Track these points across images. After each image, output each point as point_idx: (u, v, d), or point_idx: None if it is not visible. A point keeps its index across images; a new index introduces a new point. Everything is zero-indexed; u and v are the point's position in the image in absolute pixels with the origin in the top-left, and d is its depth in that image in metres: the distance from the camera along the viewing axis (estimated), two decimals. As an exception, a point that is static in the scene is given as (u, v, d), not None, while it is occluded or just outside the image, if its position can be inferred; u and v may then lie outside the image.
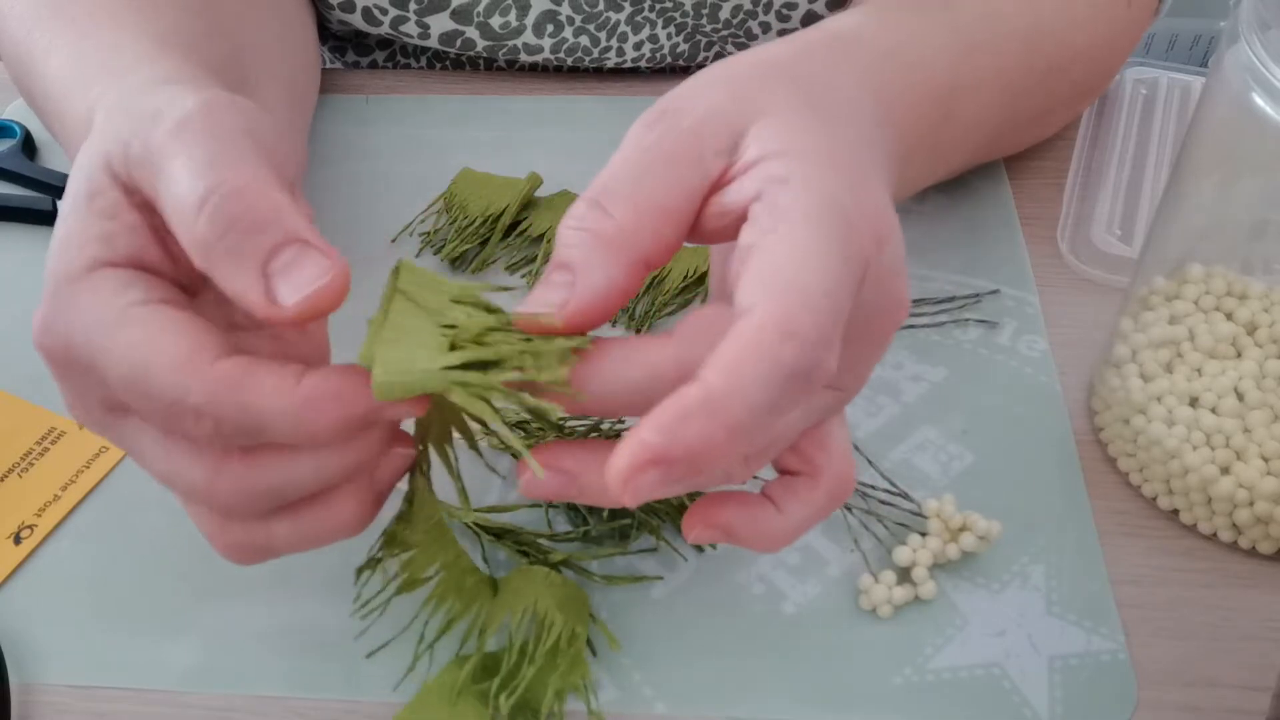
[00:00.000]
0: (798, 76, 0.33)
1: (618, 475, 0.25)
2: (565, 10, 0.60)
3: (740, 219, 0.29)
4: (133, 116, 0.31)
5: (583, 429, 0.42)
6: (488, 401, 0.28)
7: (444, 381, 0.27)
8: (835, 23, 0.39)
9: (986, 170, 0.56)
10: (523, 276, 0.51)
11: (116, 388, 0.29)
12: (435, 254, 0.52)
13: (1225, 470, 0.40)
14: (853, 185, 0.29)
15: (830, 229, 0.27)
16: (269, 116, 0.32)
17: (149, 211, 0.31)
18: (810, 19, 0.60)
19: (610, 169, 0.30)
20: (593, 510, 0.41)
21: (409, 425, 0.33)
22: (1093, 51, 0.51)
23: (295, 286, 0.28)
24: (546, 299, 0.28)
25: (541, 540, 0.41)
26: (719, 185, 0.30)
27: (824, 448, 0.32)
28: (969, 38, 0.44)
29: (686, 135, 0.30)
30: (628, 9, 0.60)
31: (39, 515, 0.43)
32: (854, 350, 0.29)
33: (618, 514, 0.41)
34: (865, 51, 0.37)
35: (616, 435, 0.42)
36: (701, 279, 0.50)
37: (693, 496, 0.42)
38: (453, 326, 0.28)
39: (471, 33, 0.61)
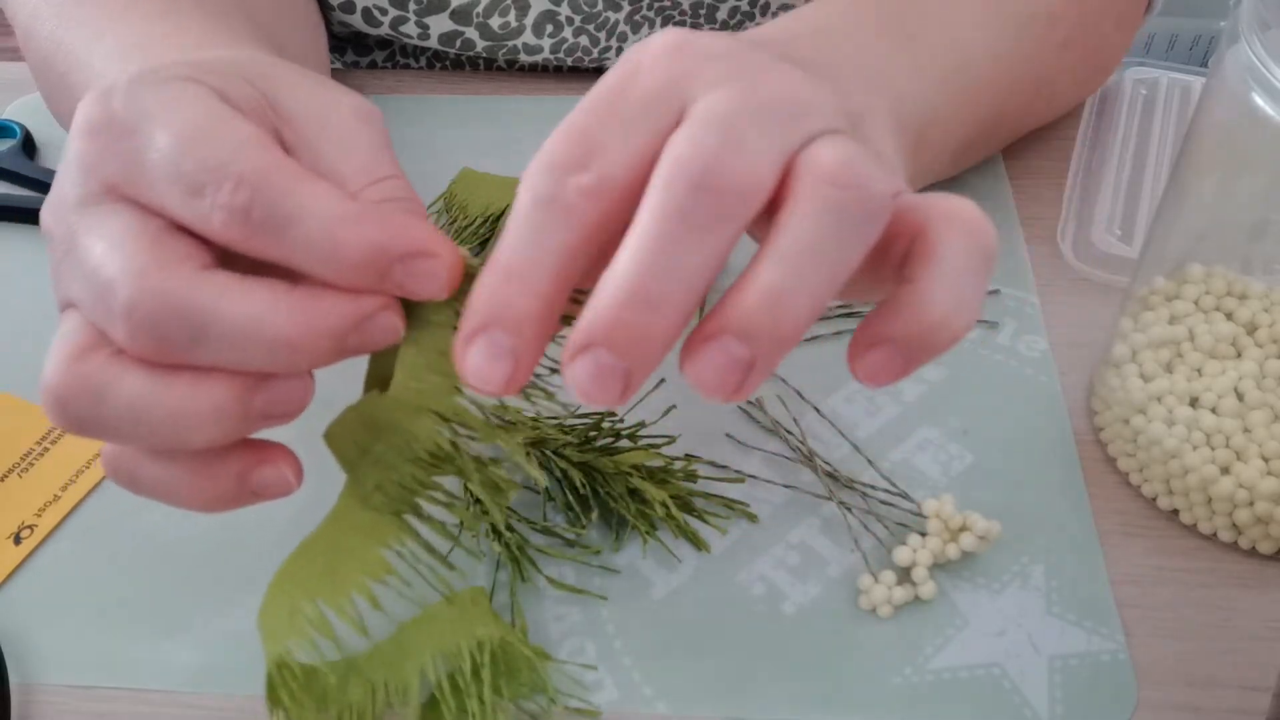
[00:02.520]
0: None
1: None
2: (564, 10, 0.60)
3: None
4: (296, 72, 0.32)
5: (583, 426, 0.42)
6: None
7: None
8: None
9: (986, 170, 0.56)
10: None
11: (155, 149, 0.27)
12: (435, 254, 0.52)
13: (1225, 470, 0.40)
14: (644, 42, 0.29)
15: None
16: None
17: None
18: None
19: None
20: (585, 508, 0.41)
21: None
22: (1071, 10, 0.51)
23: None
24: None
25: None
26: None
27: (794, 172, 0.26)
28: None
29: None
30: (626, 9, 0.60)
31: (39, 515, 0.43)
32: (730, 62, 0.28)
33: (608, 512, 0.42)
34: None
35: (617, 435, 0.42)
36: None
37: (685, 506, 0.42)
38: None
39: (471, 33, 0.61)
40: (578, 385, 0.25)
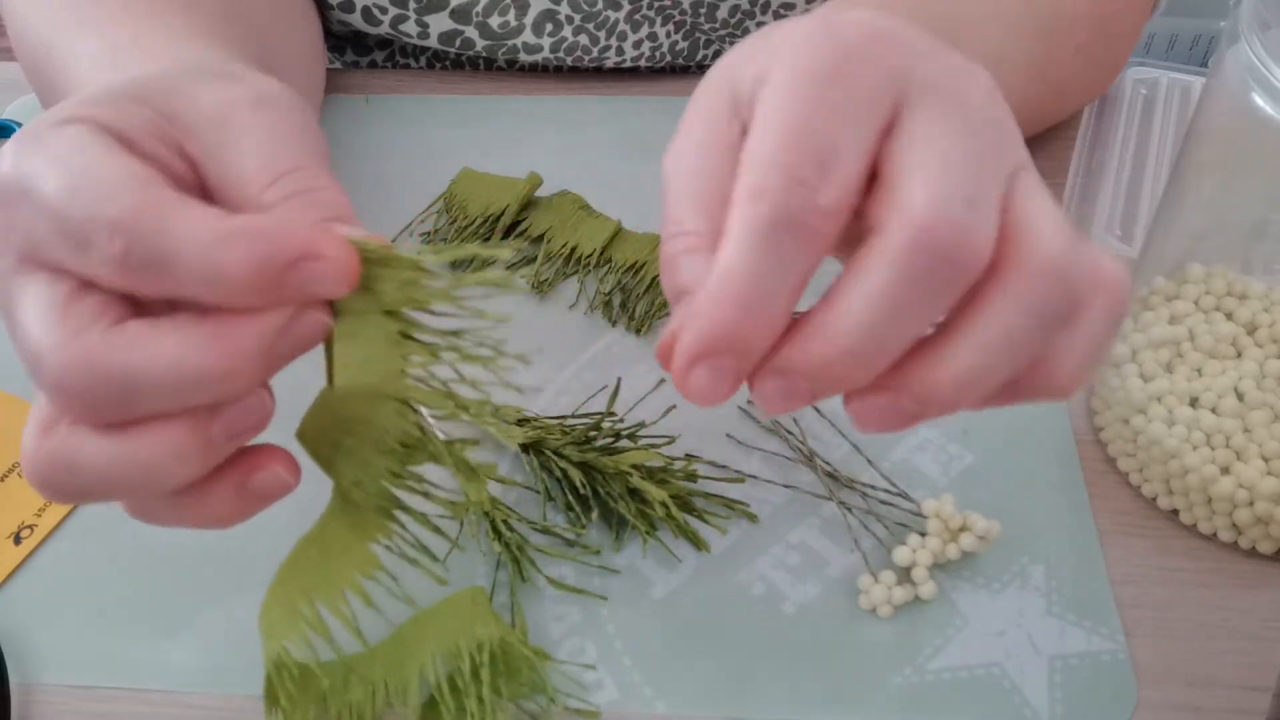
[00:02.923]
0: None
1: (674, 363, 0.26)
2: (564, 9, 0.60)
3: None
4: (194, 77, 0.31)
5: (583, 427, 0.42)
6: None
7: (400, 390, 0.29)
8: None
9: (986, 170, 0.56)
10: (522, 277, 0.51)
11: (41, 210, 0.27)
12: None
13: (1225, 470, 0.40)
14: (824, 20, 0.28)
15: (792, 69, 0.27)
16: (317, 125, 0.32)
17: (167, 144, 0.30)
18: None
19: None
20: (585, 508, 0.41)
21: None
22: (1091, 14, 0.51)
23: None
24: None
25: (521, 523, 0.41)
26: None
27: (1007, 237, 0.26)
28: (960, 10, 0.45)
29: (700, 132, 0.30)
30: (626, 7, 0.60)
31: (39, 515, 0.43)
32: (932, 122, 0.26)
33: (608, 512, 0.42)
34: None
35: (617, 435, 0.42)
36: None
37: (685, 506, 0.42)
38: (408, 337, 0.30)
39: (471, 32, 0.61)
40: (766, 401, 0.26)
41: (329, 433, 0.32)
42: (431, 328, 0.30)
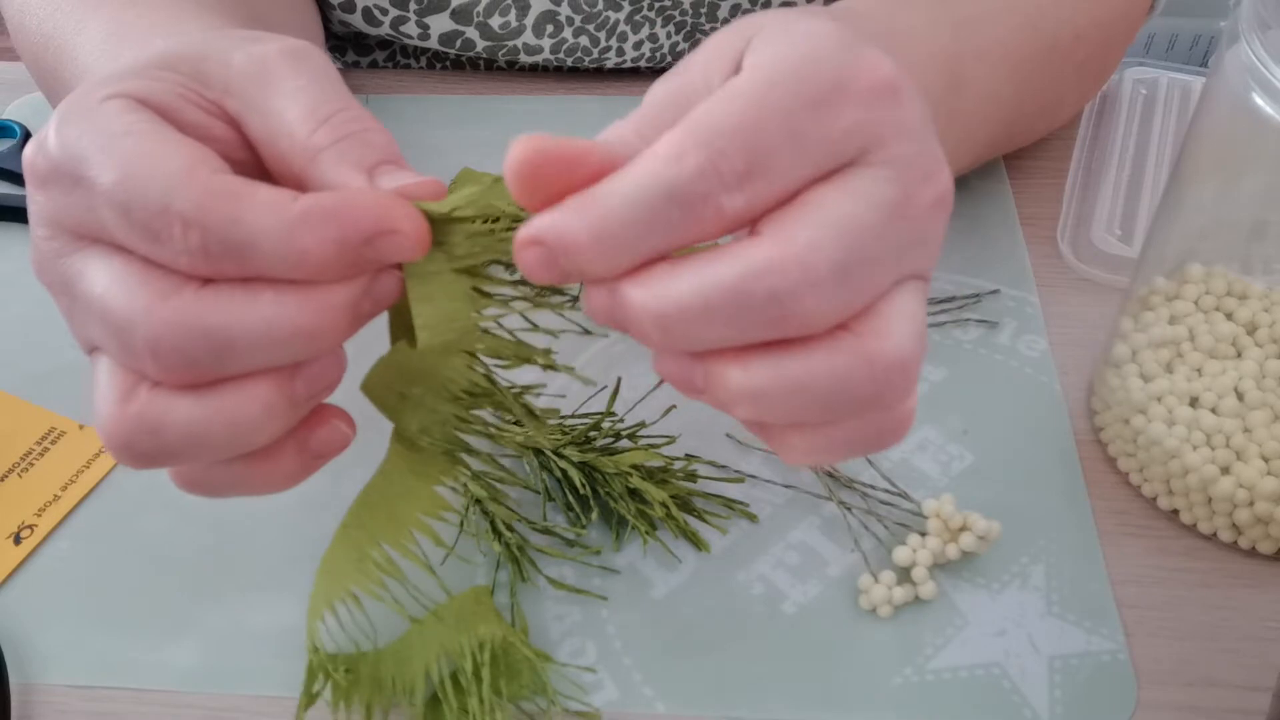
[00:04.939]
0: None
1: (516, 244, 0.27)
2: (565, 10, 0.60)
3: None
4: (223, 40, 0.31)
5: (582, 426, 0.42)
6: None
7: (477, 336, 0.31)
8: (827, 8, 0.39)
9: (986, 170, 0.56)
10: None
11: (101, 199, 0.27)
12: (435, 254, 0.52)
13: (1225, 470, 0.40)
14: (841, 39, 0.27)
15: (784, 66, 0.26)
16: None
17: (205, 108, 0.30)
18: None
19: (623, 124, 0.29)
20: (585, 508, 0.41)
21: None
22: (1094, 32, 0.51)
23: (393, 181, 0.29)
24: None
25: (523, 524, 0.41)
26: None
27: (870, 313, 0.27)
28: (966, 12, 0.45)
29: (693, 71, 0.29)
30: (626, 8, 0.60)
31: (39, 515, 0.43)
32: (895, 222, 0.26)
33: (608, 512, 0.42)
34: (865, 23, 0.37)
35: (617, 435, 0.42)
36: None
37: (685, 506, 0.42)
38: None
39: (471, 33, 0.61)
40: (524, 263, 0.26)
41: (394, 385, 0.33)
42: (501, 279, 0.31)
